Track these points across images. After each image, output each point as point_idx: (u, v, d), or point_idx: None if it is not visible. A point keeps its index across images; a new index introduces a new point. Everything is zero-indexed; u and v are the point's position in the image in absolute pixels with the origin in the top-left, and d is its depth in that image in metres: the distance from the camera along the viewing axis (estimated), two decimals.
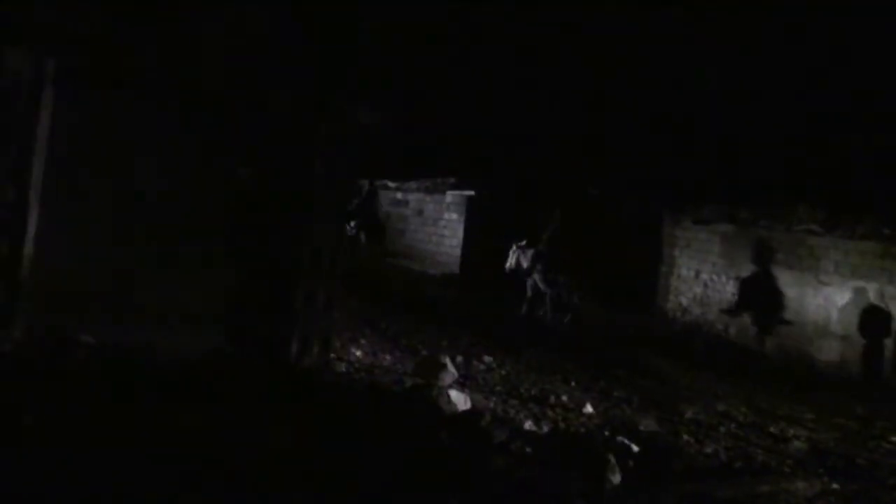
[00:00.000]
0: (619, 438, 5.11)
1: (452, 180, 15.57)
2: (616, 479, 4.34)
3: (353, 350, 6.81)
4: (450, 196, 15.72)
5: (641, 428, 5.78)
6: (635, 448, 4.92)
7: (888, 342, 9.41)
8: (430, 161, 16.60)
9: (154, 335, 5.16)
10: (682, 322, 12.16)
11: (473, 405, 5.43)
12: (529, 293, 11.94)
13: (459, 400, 5.33)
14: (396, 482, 3.78)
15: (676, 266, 12.50)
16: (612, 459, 4.45)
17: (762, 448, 5.69)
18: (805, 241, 10.53)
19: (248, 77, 5.47)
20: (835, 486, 4.92)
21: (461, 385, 6.13)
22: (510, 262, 12.43)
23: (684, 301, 12.27)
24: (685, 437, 5.70)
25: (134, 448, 3.59)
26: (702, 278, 12.02)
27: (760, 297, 10.97)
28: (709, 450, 5.45)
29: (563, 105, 16.62)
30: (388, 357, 6.90)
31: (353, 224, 14.73)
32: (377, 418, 4.71)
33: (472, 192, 15.09)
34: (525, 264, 12.06)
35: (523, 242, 12.35)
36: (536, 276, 11.72)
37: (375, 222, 16.29)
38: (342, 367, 6.18)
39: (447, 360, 6.38)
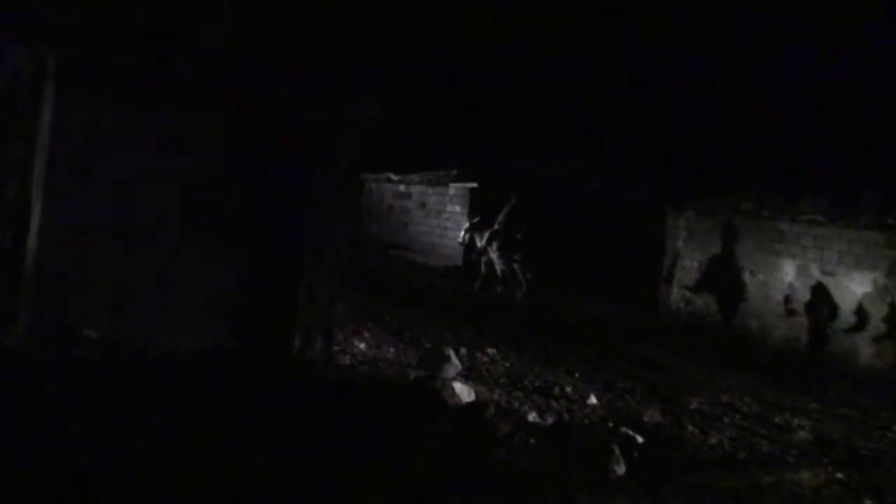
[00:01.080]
0: (624, 429, 5.10)
1: (455, 173, 15.54)
2: (620, 469, 4.34)
3: (356, 343, 6.82)
4: (452, 188, 15.68)
5: (645, 419, 5.79)
6: (640, 439, 4.92)
7: (830, 317, 9.76)
8: (433, 153, 16.60)
9: (157, 329, 5.17)
10: (685, 313, 12.12)
11: (477, 397, 5.44)
12: (483, 269, 12.60)
13: (463, 392, 5.33)
14: (401, 474, 3.78)
15: (679, 257, 12.45)
16: (617, 450, 4.45)
17: (766, 439, 5.68)
18: (809, 231, 10.49)
19: (249, 74, 5.46)
20: (839, 475, 4.92)
21: (465, 377, 6.13)
22: (463, 238, 13.24)
23: (687, 292, 12.23)
24: (689, 427, 5.70)
25: (139, 442, 3.60)
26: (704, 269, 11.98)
27: (752, 285, 10.99)
28: (713, 441, 5.45)
29: (565, 97, 16.58)
30: (391, 350, 6.91)
31: None
32: (381, 411, 4.72)
33: (474, 185, 15.06)
34: (480, 242, 12.67)
35: (476, 220, 13.08)
36: (492, 254, 12.29)
37: None
38: (346, 361, 6.19)
39: (451, 353, 6.39)
